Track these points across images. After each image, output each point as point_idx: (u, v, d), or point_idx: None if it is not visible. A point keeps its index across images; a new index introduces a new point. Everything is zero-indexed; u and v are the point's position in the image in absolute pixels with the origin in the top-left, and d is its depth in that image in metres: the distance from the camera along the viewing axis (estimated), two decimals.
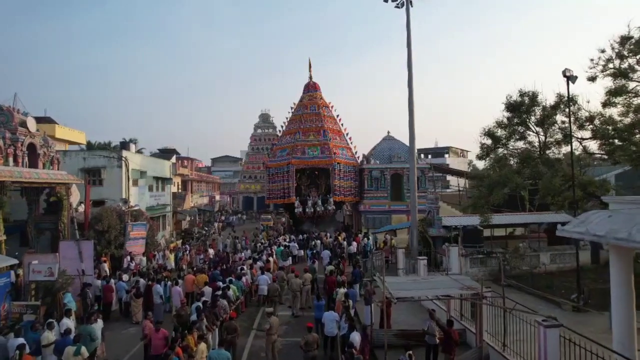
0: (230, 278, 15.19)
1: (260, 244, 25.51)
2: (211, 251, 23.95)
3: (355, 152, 34.82)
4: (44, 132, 20.43)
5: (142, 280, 15.02)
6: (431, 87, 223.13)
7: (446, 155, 79.28)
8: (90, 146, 52.36)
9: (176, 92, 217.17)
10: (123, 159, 25.31)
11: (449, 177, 56.03)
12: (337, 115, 35.46)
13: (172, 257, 21.72)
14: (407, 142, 35.86)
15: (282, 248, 22.72)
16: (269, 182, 33.60)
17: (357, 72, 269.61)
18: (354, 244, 25.89)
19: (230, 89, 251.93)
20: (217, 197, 70.52)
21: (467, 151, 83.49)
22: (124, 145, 41.38)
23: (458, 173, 38.90)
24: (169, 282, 14.88)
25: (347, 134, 35.15)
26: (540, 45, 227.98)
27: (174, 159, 40.83)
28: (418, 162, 33.60)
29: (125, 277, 16.31)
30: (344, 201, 32.95)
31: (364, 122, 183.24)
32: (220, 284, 14.45)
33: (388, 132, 35.44)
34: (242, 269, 16.93)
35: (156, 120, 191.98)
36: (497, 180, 16.83)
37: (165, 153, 43.41)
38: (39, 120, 38.19)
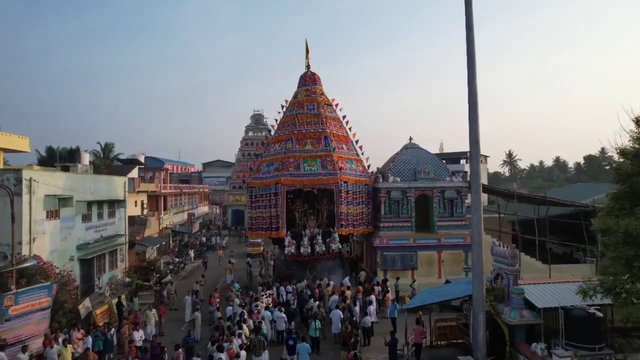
0: None
1: (227, 319, 16.28)
2: (140, 334, 14.99)
3: (368, 166, 26.02)
4: None
5: None
6: (437, 88, 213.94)
7: (462, 161, 69.18)
8: (51, 153, 44.04)
9: (173, 94, 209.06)
10: (23, 181, 16.81)
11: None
12: (344, 117, 26.34)
13: (67, 351, 13.02)
14: (434, 152, 27.70)
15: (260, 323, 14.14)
16: (252, 206, 24.50)
17: (361, 73, 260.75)
18: (371, 308, 17.32)
19: (226, 90, 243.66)
20: (205, 209, 61.77)
21: (485, 156, 74.66)
22: (73, 154, 32.99)
23: (524, 198, 28.68)
24: None
25: (356, 142, 26.20)
26: (563, 41, 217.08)
27: (135, 172, 32.24)
28: (451, 179, 25.14)
29: None
30: (352, 233, 24.14)
31: (374, 129, 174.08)
32: None
33: (410, 139, 26.73)
34: None
35: (150, 123, 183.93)
36: None
37: (125, 164, 34.73)
38: None
